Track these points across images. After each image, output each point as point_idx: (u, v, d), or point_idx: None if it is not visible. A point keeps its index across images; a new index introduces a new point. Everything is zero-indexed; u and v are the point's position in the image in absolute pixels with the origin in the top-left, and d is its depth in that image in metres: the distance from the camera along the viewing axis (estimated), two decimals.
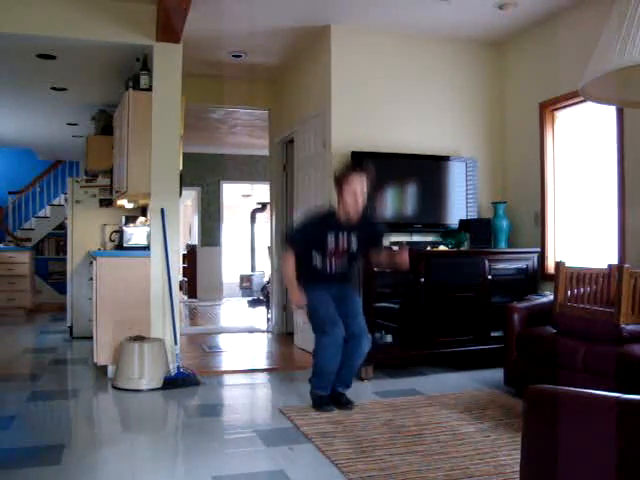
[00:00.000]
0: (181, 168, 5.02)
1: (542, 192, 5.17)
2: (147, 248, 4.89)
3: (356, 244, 3.90)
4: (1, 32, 4.38)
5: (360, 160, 5.10)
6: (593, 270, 3.75)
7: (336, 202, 3.91)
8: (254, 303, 10.06)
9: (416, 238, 5.22)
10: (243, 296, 11.23)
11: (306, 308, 3.95)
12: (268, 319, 7.48)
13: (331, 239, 3.85)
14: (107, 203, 6.73)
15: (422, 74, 5.44)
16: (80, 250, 6.62)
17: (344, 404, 3.84)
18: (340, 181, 3.84)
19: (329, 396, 3.85)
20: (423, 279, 4.69)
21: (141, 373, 4.31)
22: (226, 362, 5.52)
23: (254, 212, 12.65)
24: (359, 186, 3.78)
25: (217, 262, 11.39)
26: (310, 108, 5.69)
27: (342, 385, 3.93)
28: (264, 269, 11.25)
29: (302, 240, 3.95)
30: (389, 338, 4.74)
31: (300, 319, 4.36)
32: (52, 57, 5.09)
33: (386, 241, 5.10)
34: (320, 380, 3.85)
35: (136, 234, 5.59)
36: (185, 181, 5.59)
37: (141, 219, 5.91)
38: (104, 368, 4.70)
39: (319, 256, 3.88)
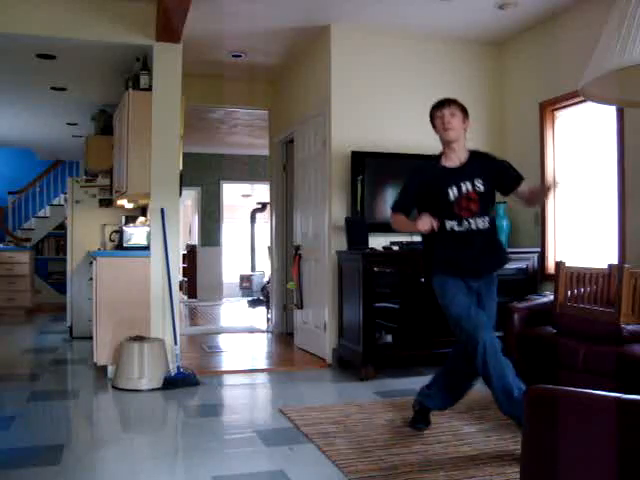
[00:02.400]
0: (181, 168, 5.01)
1: None
2: (147, 248, 4.88)
3: (482, 184, 3.21)
4: (1, 32, 4.39)
5: (361, 160, 5.11)
6: (593, 270, 3.74)
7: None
8: (254, 303, 10.06)
9: (416, 238, 5.20)
10: (243, 296, 11.23)
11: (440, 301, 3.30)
12: (268, 319, 7.48)
13: (452, 190, 3.19)
14: (107, 203, 6.72)
15: (422, 74, 5.44)
16: (80, 250, 6.62)
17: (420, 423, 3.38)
18: (430, 120, 3.36)
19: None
20: (423, 279, 4.68)
21: (141, 373, 4.31)
22: (226, 362, 5.52)
23: (254, 212, 12.65)
24: (448, 115, 3.26)
25: (217, 262, 11.39)
26: (310, 108, 5.69)
27: (440, 403, 3.40)
28: (264, 269, 11.25)
29: (411, 202, 3.33)
30: (389, 338, 4.74)
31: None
32: (52, 57, 5.09)
33: (386, 241, 5.11)
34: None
35: (136, 234, 5.59)
36: (185, 181, 5.58)
37: (141, 219, 5.90)
38: (104, 368, 4.70)
39: (448, 217, 3.18)
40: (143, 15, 4.60)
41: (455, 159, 3.31)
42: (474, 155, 3.36)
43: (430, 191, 3.29)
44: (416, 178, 3.41)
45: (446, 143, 3.32)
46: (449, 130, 3.27)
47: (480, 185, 3.22)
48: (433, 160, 3.41)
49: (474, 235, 3.20)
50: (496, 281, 3.36)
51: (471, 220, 3.19)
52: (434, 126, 3.37)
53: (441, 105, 3.34)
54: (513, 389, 2.97)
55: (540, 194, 3.38)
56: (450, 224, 3.19)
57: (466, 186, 3.21)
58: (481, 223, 3.20)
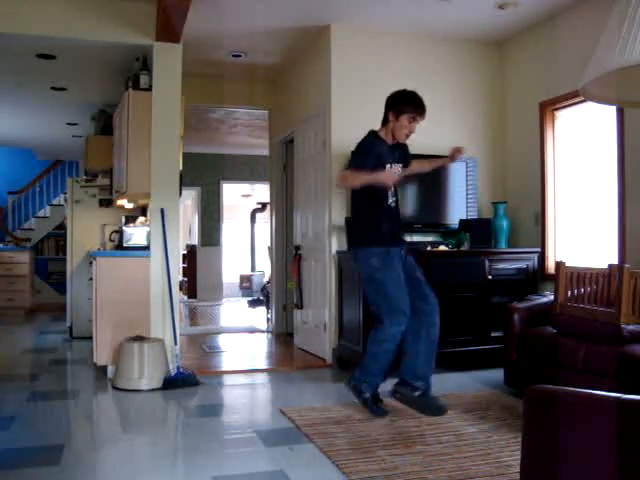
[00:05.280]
0: (181, 168, 5.01)
1: (542, 192, 5.17)
2: (147, 248, 4.88)
3: (400, 171, 3.65)
4: (1, 32, 4.38)
5: None
6: (593, 270, 3.74)
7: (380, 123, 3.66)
8: (254, 303, 10.06)
9: (416, 238, 5.22)
10: (243, 296, 11.24)
11: (367, 277, 3.63)
12: (268, 319, 7.48)
13: (388, 166, 3.54)
14: (107, 203, 6.72)
15: (422, 74, 5.44)
16: (80, 250, 6.62)
17: (433, 408, 3.52)
18: (400, 109, 3.51)
19: (374, 395, 3.64)
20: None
21: (141, 373, 4.31)
22: (226, 362, 5.52)
23: (254, 212, 12.65)
24: (415, 126, 3.55)
25: (217, 262, 11.38)
26: (310, 108, 5.69)
27: (421, 380, 3.59)
28: (264, 269, 11.25)
29: (368, 166, 3.48)
30: None
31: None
32: (52, 57, 5.09)
33: None
34: (365, 374, 3.63)
35: (136, 234, 5.59)
36: (185, 181, 5.59)
37: (141, 219, 5.90)
38: (104, 368, 4.70)
39: (386, 193, 3.54)
40: (143, 15, 4.60)
41: (390, 141, 3.67)
42: (399, 144, 3.73)
43: (377, 163, 3.52)
44: (374, 147, 3.60)
45: (395, 139, 3.63)
46: (408, 138, 3.65)
47: (399, 170, 3.67)
48: (375, 134, 3.67)
49: (396, 209, 3.70)
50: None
51: (393, 197, 3.67)
52: (396, 116, 3.52)
53: (419, 113, 3.53)
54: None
55: (456, 155, 3.83)
56: (390, 200, 3.62)
57: (395, 167, 3.63)
58: (393, 202, 3.68)
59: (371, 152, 3.56)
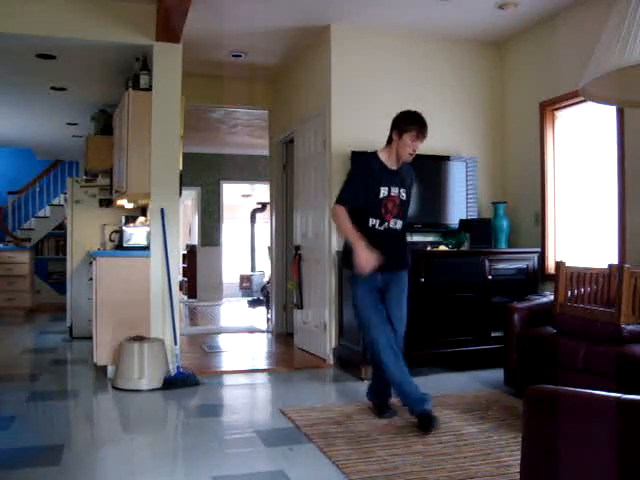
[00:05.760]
0: (181, 168, 5.01)
1: (542, 192, 5.17)
2: (147, 248, 4.88)
3: (405, 195, 3.59)
4: (1, 32, 4.38)
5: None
6: (593, 270, 3.74)
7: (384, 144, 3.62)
8: (254, 303, 10.06)
9: (416, 238, 5.22)
10: (243, 296, 11.23)
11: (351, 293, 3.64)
12: (268, 319, 7.48)
13: (384, 189, 3.50)
14: (107, 203, 6.72)
15: (422, 74, 5.44)
16: (80, 250, 6.62)
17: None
18: (403, 128, 3.48)
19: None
20: (423, 279, 4.69)
21: (141, 373, 4.31)
22: (226, 362, 5.52)
23: (254, 212, 12.65)
24: (417, 144, 3.50)
25: (217, 262, 11.38)
26: (310, 108, 5.69)
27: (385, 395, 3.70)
28: (264, 269, 11.25)
29: (355, 196, 3.49)
30: None
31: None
32: (52, 57, 5.09)
33: None
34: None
35: (136, 234, 5.59)
36: (185, 181, 5.58)
37: (141, 219, 5.90)
38: (104, 368, 4.70)
39: (373, 215, 3.50)
40: (143, 15, 4.60)
41: (394, 164, 3.58)
42: (405, 168, 3.65)
43: (368, 185, 3.49)
44: (364, 171, 3.55)
45: (398, 159, 3.55)
46: (411, 157, 3.55)
47: (404, 194, 3.60)
48: (373, 155, 3.61)
49: (389, 234, 3.56)
50: (406, 279, 3.68)
51: (390, 222, 3.55)
52: (400, 134, 3.49)
53: (421, 133, 3.50)
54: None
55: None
56: (373, 222, 3.51)
57: (395, 190, 3.54)
58: (396, 224, 3.58)
59: (360, 179, 3.53)
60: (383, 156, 3.58)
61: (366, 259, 3.32)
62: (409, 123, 3.49)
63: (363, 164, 3.63)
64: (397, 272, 3.63)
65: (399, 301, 3.61)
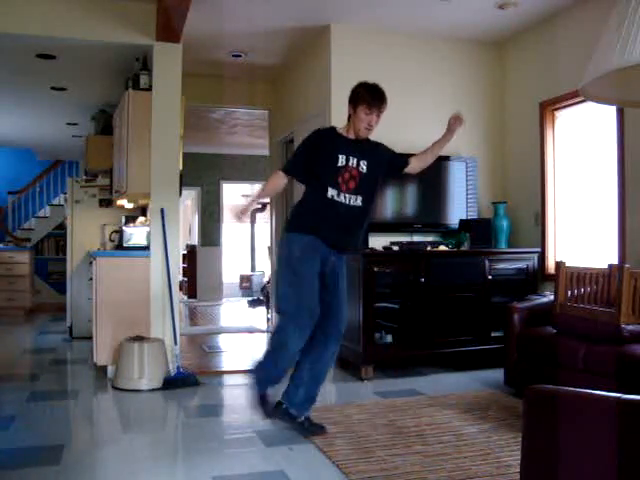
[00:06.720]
0: (181, 168, 5.01)
1: (542, 192, 5.17)
2: (147, 248, 4.88)
3: (367, 169, 3.31)
4: (1, 32, 4.38)
5: None
6: (593, 270, 3.74)
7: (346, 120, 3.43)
8: (254, 303, 10.06)
9: (416, 238, 5.22)
10: (243, 296, 11.23)
11: (281, 263, 3.36)
12: (268, 319, 7.48)
13: (342, 158, 3.27)
14: (107, 203, 6.72)
15: (422, 74, 5.44)
16: (80, 250, 6.62)
17: (311, 430, 3.31)
18: (357, 101, 3.29)
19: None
20: (423, 279, 4.69)
21: (141, 373, 4.31)
22: (226, 362, 5.52)
23: (254, 212, 12.64)
24: (375, 117, 3.29)
25: (217, 262, 11.38)
26: (310, 108, 5.69)
27: (306, 404, 3.40)
28: (264, 269, 11.25)
29: (303, 164, 3.36)
30: (389, 338, 4.73)
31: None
32: (52, 57, 5.09)
33: (386, 241, 5.11)
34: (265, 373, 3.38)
35: (136, 234, 5.59)
36: (185, 181, 5.58)
37: (141, 219, 5.90)
38: (104, 368, 4.70)
39: (330, 184, 3.26)
40: (143, 15, 4.60)
41: (353, 135, 3.37)
42: (371, 142, 3.44)
43: (322, 153, 3.33)
44: (314, 141, 3.41)
45: (356, 133, 3.35)
46: (368, 131, 3.35)
47: (364, 167, 3.32)
48: (330, 127, 3.54)
49: (349, 210, 3.28)
50: (344, 263, 3.44)
51: (347, 195, 3.28)
52: (354, 108, 3.31)
53: (378, 102, 3.30)
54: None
55: (455, 123, 3.59)
56: (331, 192, 3.26)
57: (353, 161, 3.29)
58: (354, 201, 3.29)
59: (307, 149, 3.39)
60: (342, 131, 3.41)
61: (245, 207, 3.48)
62: (361, 96, 3.30)
63: (315, 133, 3.45)
64: (342, 251, 3.39)
65: (342, 286, 3.41)
